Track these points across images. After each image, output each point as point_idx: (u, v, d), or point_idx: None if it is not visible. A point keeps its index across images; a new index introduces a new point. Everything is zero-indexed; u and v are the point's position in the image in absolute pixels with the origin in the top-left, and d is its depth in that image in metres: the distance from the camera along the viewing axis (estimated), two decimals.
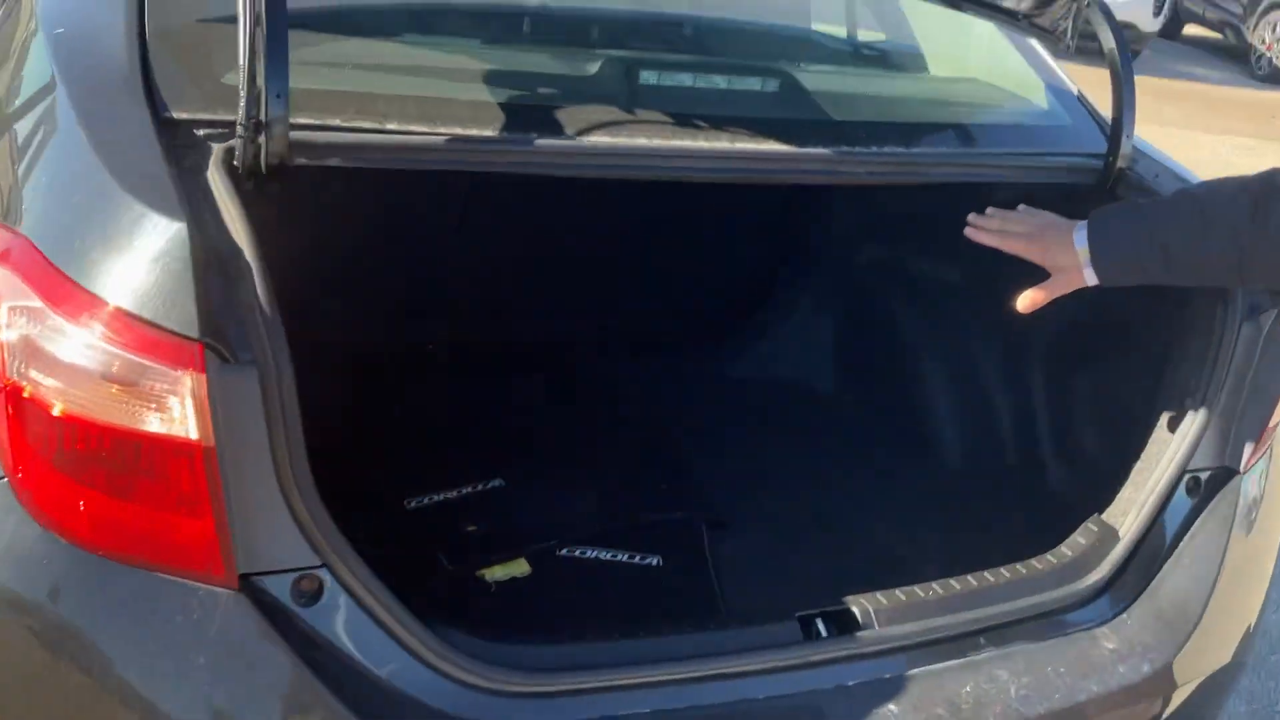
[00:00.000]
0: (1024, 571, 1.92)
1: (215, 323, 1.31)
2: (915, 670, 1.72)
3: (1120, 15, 2.16)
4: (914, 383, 2.79)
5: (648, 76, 1.95)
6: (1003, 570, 1.91)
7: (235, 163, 1.49)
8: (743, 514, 2.41)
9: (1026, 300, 1.81)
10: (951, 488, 2.62)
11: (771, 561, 2.28)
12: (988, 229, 1.85)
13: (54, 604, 1.35)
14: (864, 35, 2.82)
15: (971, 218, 1.87)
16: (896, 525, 2.45)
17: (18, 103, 1.70)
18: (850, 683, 1.67)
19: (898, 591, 1.81)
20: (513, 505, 2.27)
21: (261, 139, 1.48)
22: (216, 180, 1.44)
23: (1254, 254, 1.65)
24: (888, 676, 1.69)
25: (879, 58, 2.74)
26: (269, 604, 1.39)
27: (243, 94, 1.43)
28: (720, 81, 2.04)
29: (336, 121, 1.60)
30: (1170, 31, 13.90)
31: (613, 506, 2.30)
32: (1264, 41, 12.51)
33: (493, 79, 1.85)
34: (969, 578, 1.88)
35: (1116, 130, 2.00)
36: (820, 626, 1.74)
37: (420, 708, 1.45)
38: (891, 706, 1.65)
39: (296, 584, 1.41)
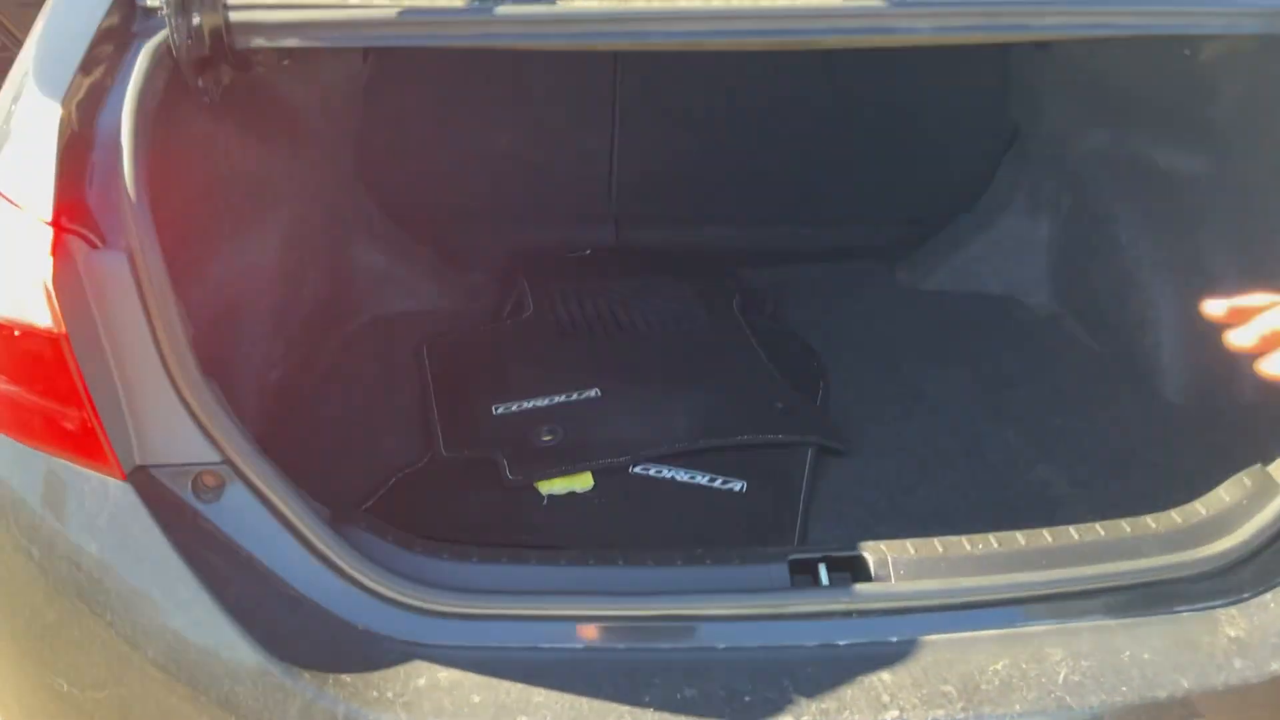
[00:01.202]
0: (1128, 530, 1.53)
1: (80, 207, 1.29)
2: (935, 636, 1.42)
3: None
4: (1137, 295, 2.32)
5: None
6: (1096, 526, 1.53)
7: (172, 47, 1.45)
8: (872, 442, 2.12)
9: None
10: (1163, 424, 2.17)
11: (886, 495, 1.99)
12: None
13: None
14: None
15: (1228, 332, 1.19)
16: (1071, 463, 2.06)
17: None
18: (841, 642, 1.41)
19: (935, 541, 1.50)
20: (601, 417, 2.13)
21: (197, 19, 1.43)
22: (139, 65, 1.41)
23: None
24: (894, 640, 1.41)
25: None
26: (166, 498, 1.37)
27: None
28: None
29: None
30: None
31: (713, 425, 2.10)
32: None
33: None
34: (1044, 533, 1.52)
35: None
36: (823, 574, 1.48)
37: (321, 614, 1.38)
38: (884, 675, 1.37)
39: (198, 479, 1.38)
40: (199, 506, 1.38)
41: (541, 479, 1.97)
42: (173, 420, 1.36)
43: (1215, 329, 2.15)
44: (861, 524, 1.91)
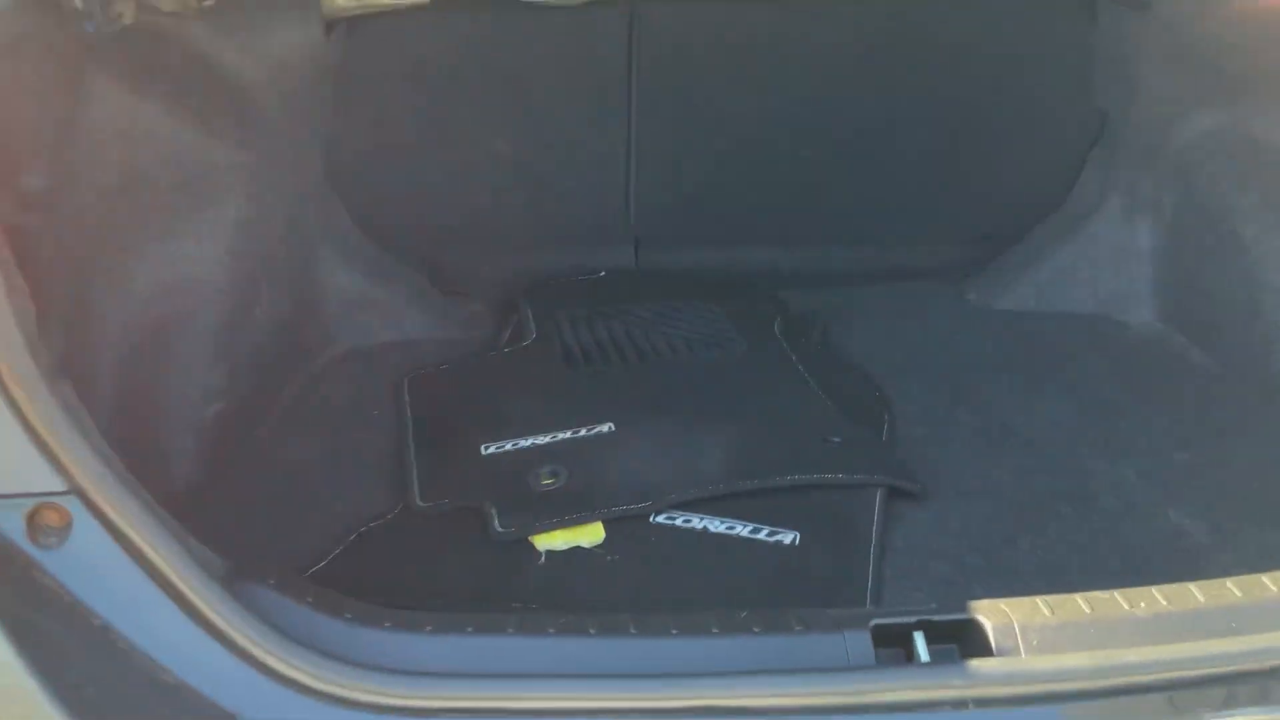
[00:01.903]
0: None
1: None
2: None
3: None
4: (1269, 301, 1.91)
5: None
6: None
7: None
8: (953, 483, 1.71)
9: None
10: None
11: (978, 548, 1.57)
12: None
13: None
14: None
15: None
16: (1208, 506, 1.65)
17: None
18: None
19: (1079, 599, 1.07)
20: (614, 455, 1.72)
21: None
22: None
23: None
24: None
25: None
26: None
27: None
28: None
29: None
30: None
31: (754, 464, 1.69)
32: None
33: None
34: (1229, 584, 1.10)
35: None
36: (920, 646, 1.05)
37: (204, 707, 0.97)
38: None
39: (34, 516, 0.99)
40: (34, 554, 0.99)
41: (539, 531, 1.57)
42: (2, 435, 0.97)
43: None
44: (951, 583, 1.50)
